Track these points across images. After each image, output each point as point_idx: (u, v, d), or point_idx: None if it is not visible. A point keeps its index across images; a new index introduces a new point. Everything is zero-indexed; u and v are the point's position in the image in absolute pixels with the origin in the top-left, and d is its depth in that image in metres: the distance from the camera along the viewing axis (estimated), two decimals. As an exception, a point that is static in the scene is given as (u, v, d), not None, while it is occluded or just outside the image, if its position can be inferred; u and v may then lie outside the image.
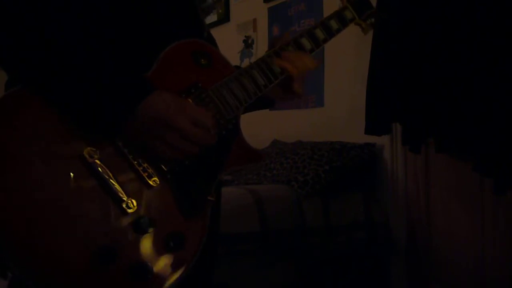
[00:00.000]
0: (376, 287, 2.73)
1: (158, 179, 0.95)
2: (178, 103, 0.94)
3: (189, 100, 1.01)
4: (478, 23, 2.15)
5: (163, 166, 0.96)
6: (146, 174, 0.94)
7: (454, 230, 2.51)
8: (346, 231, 2.63)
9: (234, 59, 3.83)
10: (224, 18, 4.15)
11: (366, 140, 2.75)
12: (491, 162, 2.13)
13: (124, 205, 0.91)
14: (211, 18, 4.25)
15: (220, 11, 4.21)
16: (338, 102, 3.11)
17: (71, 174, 0.89)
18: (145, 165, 0.94)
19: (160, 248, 0.93)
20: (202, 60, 1.06)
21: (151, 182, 0.94)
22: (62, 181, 0.88)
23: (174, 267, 0.95)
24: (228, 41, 3.94)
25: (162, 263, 0.93)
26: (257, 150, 1.11)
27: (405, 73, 2.45)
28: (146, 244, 0.92)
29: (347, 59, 3.03)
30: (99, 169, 0.90)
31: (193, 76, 1.04)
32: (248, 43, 3.90)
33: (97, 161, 0.90)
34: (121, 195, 0.91)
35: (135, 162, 0.94)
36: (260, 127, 3.47)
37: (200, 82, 1.04)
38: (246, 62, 3.81)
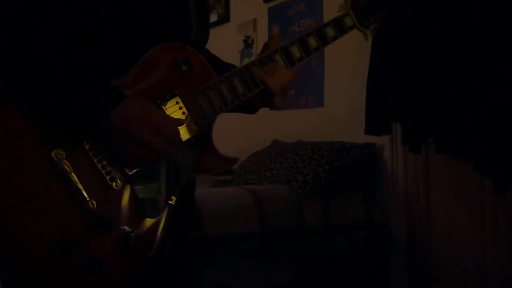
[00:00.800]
0: (376, 287, 2.73)
1: (121, 182, 0.98)
2: (144, 114, 0.96)
3: (162, 107, 1.02)
4: (478, 23, 2.15)
5: (126, 171, 0.99)
6: (109, 177, 0.97)
7: (454, 230, 2.51)
8: (346, 231, 2.63)
9: (234, 59, 3.83)
10: (224, 18, 4.15)
11: (366, 140, 2.75)
12: (491, 162, 2.13)
13: (85, 205, 0.94)
14: (211, 18, 4.24)
15: (220, 11, 4.21)
16: (338, 102, 3.11)
17: (38, 172, 0.92)
18: (109, 168, 0.98)
19: (116, 247, 0.97)
20: (183, 66, 1.06)
21: (113, 185, 0.98)
22: (28, 178, 0.92)
23: (128, 266, 0.99)
24: (228, 41, 3.94)
25: (117, 262, 0.97)
26: (228, 157, 1.12)
27: (405, 73, 2.45)
28: (103, 243, 0.96)
29: (347, 59, 3.03)
30: (65, 168, 0.93)
31: (172, 82, 1.04)
32: (248, 43, 3.90)
33: (63, 161, 0.93)
34: (83, 195, 0.94)
35: (100, 165, 0.97)
36: (260, 127, 3.47)
37: (177, 89, 1.04)
38: (246, 62, 3.81)
